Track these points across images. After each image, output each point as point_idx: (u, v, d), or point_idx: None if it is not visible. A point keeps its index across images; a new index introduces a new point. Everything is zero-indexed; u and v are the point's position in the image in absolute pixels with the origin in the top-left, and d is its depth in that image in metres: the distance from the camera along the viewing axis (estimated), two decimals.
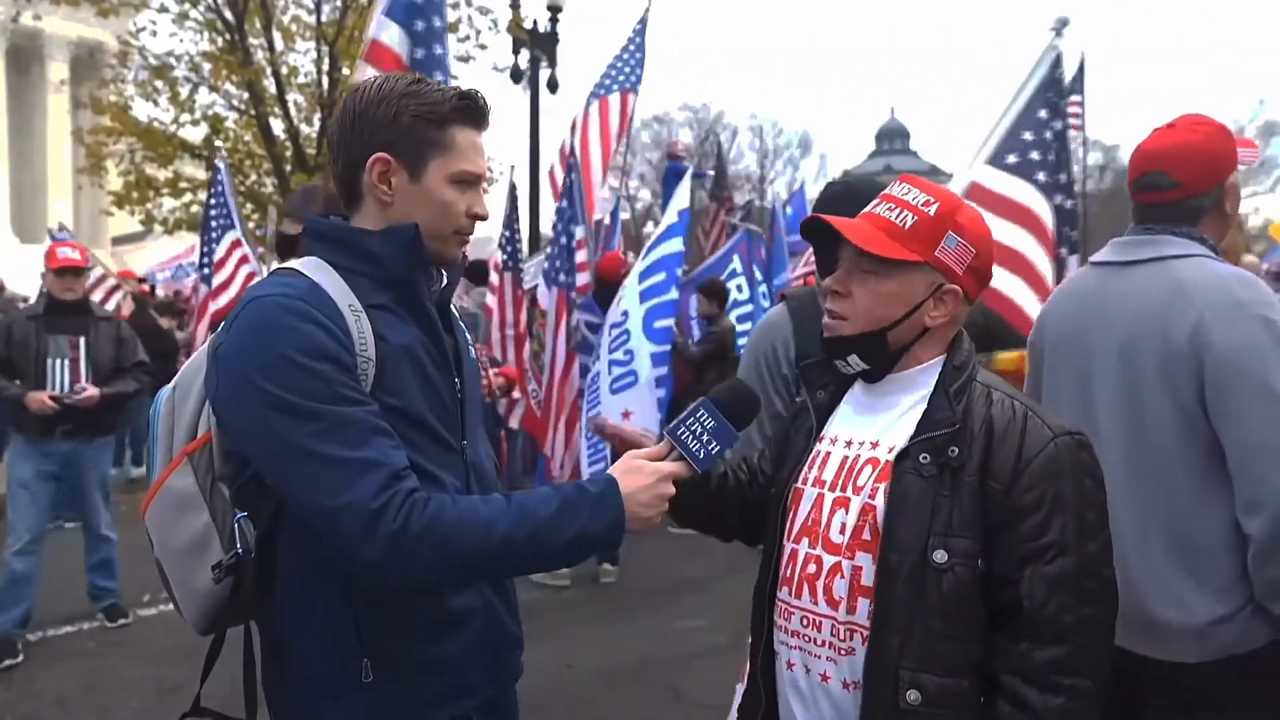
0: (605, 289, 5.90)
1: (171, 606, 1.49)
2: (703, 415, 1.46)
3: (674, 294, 5.45)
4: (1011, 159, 3.76)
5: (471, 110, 1.48)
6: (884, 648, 1.32)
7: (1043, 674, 1.28)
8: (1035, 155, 3.78)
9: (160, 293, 12.84)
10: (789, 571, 1.47)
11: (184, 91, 13.48)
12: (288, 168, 13.18)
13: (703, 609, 4.99)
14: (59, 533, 6.07)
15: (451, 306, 1.63)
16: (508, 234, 6.95)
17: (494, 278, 6.81)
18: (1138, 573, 1.79)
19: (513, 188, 7.47)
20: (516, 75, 13.30)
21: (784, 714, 1.48)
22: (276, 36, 13.14)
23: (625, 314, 5.32)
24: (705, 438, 1.45)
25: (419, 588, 1.41)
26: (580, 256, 6.05)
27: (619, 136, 6.58)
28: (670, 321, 5.44)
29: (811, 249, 2.79)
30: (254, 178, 13.77)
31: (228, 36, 12.94)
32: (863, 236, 1.42)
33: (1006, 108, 3.87)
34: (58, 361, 4.71)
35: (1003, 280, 3.55)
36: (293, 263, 1.47)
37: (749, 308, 7.73)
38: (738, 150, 41.09)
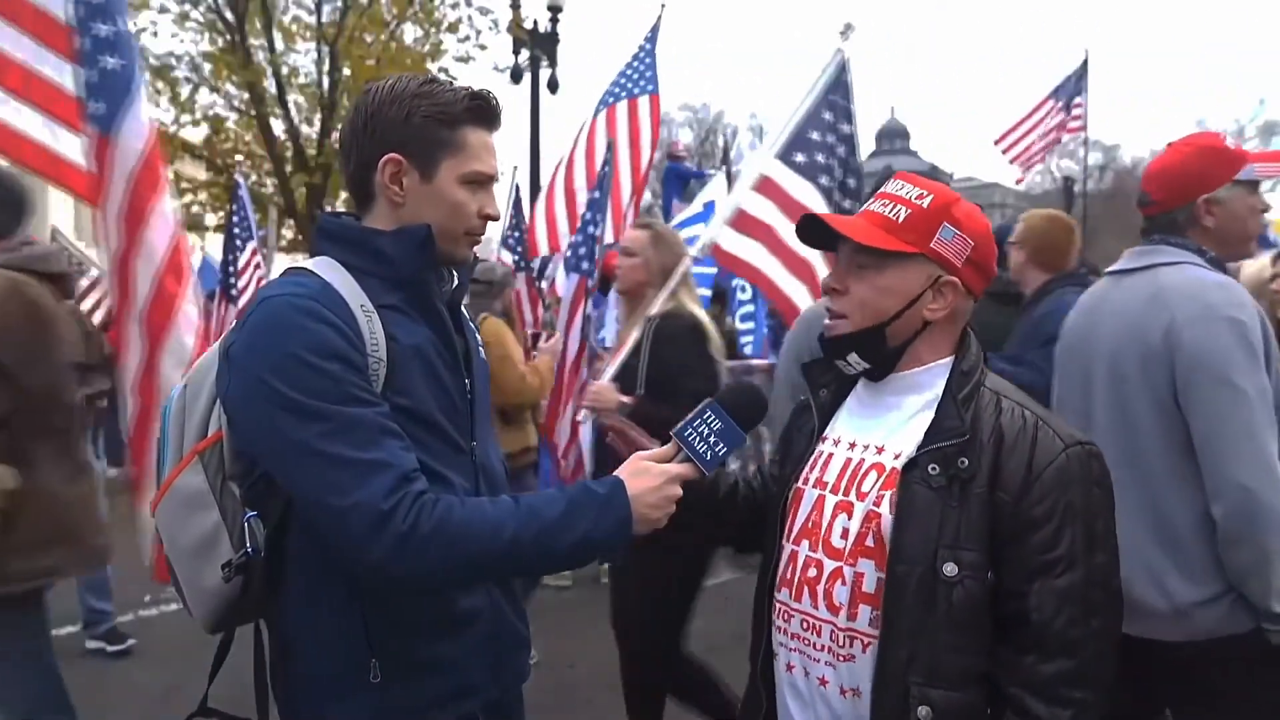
0: (603, 282, 5.95)
1: (173, 607, 1.50)
2: (709, 417, 1.46)
3: (703, 269, 5.82)
4: (799, 158, 3.83)
5: (484, 110, 1.48)
6: (892, 660, 1.31)
7: (1050, 687, 1.27)
8: (820, 158, 3.87)
9: None
10: (789, 573, 1.46)
11: (184, 92, 13.46)
12: (288, 168, 13.18)
13: (702, 609, 4.96)
14: None
15: (463, 308, 1.64)
16: (515, 235, 6.95)
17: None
18: (1125, 557, 1.86)
19: (515, 189, 7.47)
20: (517, 75, 13.30)
21: (783, 716, 1.47)
22: (277, 37, 13.14)
23: None
24: (712, 439, 1.45)
25: (426, 588, 1.42)
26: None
27: (652, 144, 6.50)
28: (704, 292, 5.76)
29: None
30: (254, 178, 13.76)
31: (228, 37, 12.93)
32: (857, 231, 1.42)
33: (798, 105, 3.92)
34: None
35: (783, 279, 3.75)
36: (305, 262, 1.47)
37: (751, 308, 7.71)
38: (738, 150, 41.01)
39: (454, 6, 13.51)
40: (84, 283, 8.31)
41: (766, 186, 3.79)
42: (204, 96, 13.63)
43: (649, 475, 1.42)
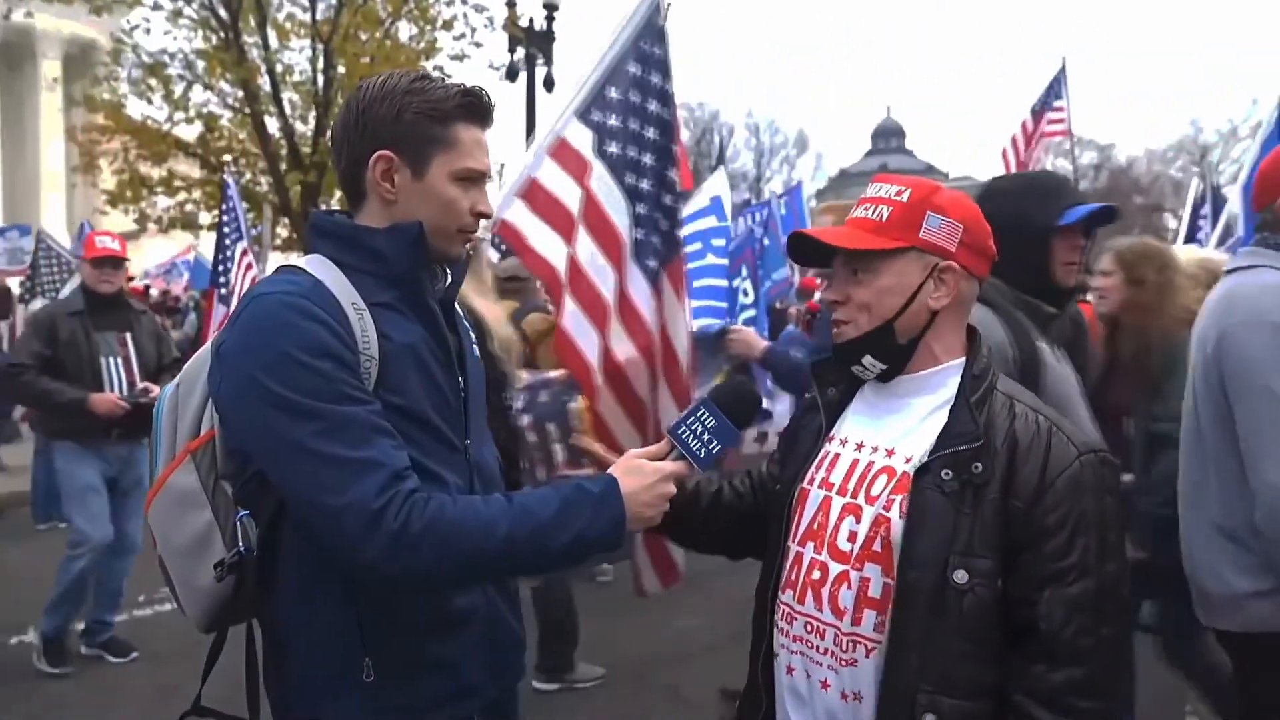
0: None
1: (168, 607, 1.49)
2: (703, 414, 1.46)
3: (711, 259, 5.87)
4: (597, 117, 3.24)
5: (476, 107, 1.47)
6: (900, 668, 1.30)
7: (1058, 696, 1.26)
8: (614, 121, 3.24)
9: (153, 292, 12.80)
10: (793, 575, 1.45)
11: (178, 89, 13.41)
12: (283, 166, 13.14)
13: (701, 608, 4.97)
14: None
15: (456, 306, 1.63)
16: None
17: None
18: (1196, 549, 2.12)
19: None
20: (512, 74, 13.29)
21: (781, 718, 1.47)
22: (271, 34, 13.10)
23: None
24: (706, 437, 1.45)
25: (420, 587, 1.41)
26: None
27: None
28: (717, 282, 5.85)
29: None
30: (249, 176, 13.73)
31: (222, 34, 12.88)
32: (844, 238, 1.42)
33: (600, 58, 3.30)
34: (110, 360, 4.34)
35: (550, 246, 3.19)
36: (297, 260, 1.47)
37: (753, 312, 7.70)
38: (734, 149, 41.12)
39: (449, 4, 13.48)
40: (72, 285, 8.33)
41: (563, 151, 3.21)
42: (198, 94, 13.59)
43: (642, 473, 1.42)
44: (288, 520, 1.40)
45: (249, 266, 7.30)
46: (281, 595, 1.43)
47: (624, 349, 3.17)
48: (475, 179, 1.48)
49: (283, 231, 13.35)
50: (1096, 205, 2.14)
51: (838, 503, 1.42)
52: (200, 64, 13.25)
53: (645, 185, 3.25)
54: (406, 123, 1.42)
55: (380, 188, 1.45)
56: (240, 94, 13.17)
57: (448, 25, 13.54)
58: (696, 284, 5.58)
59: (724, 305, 5.97)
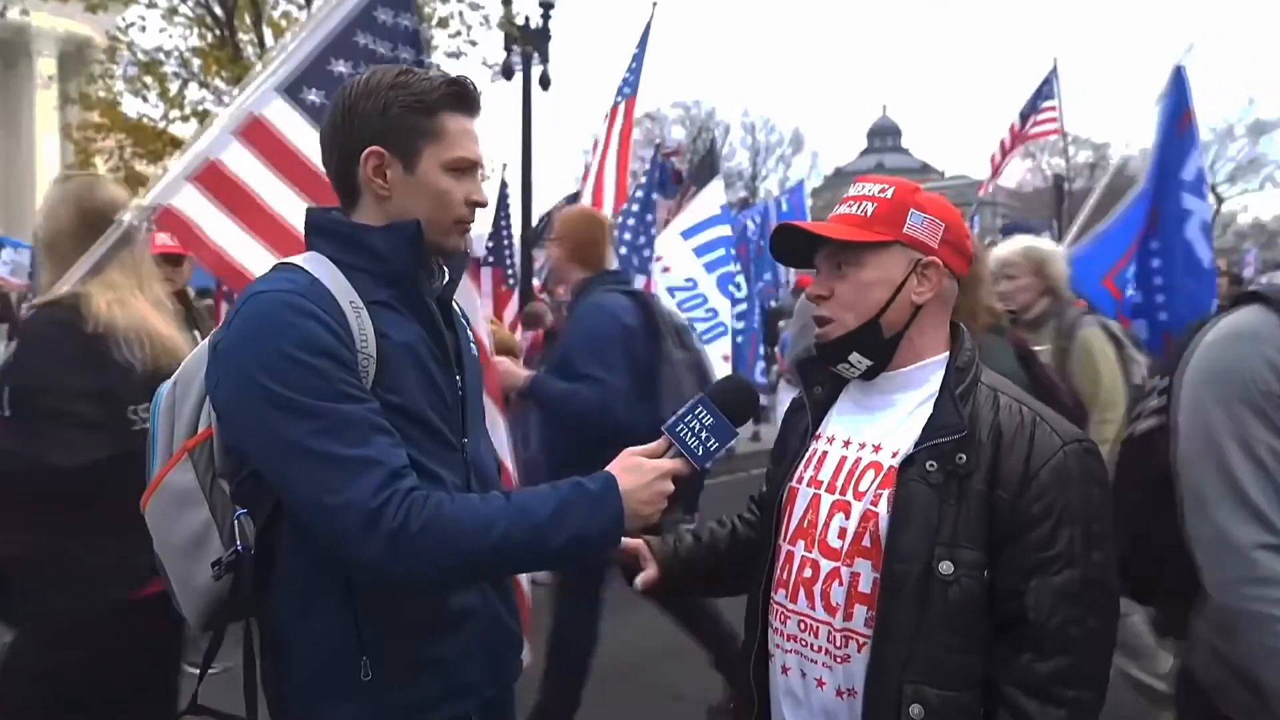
0: None
1: None
2: (701, 412, 1.46)
3: (734, 267, 6.34)
4: (313, 97, 2.72)
5: (461, 96, 1.46)
6: (886, 660, 1.31)
7: (1045, 686, 1.27)
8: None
9: None
10: (785, 574, 1.45)
11: (173, 87, 13.39)
12: None
13: None
14: None
15: (454, 303, 1.63)
16: (491, 229, 6.96)
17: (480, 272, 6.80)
18: None
19: (503, 185, 7.46)
20: (508, 72, 13.26)
21: (775, 719, 1.47)
22: (267, 32, 13.07)
23: (693, 281, 5.84)
24: (704, 435, 1.45)
25: (418, 585, 1.41)
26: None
27: (622, 145, 6.52)
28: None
29: None
30: None
31: (217, 32, 12.87)
32: (830, 231, 1.44)
33: (310, 28, 2.80)
34: None
35: (232, 240, 2.63)
36: (293, 258, 1.46)
37: (744, 305, 7.73)
38: (730, 148, 41.12)
39: (445, 1, 13.47)
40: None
41: (255, 131, 2.69)
42: (193, 92, 13.56)
43: (640, 471, 1.42)
44: (285, 518, 1.40)
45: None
46: (279, 594, 1.43)
47: None
48: (467, 168, 1.48)
49: None
50: None
51: (827, 500, 1.43)
52: (196, 62, 13.23)
53: None
54: (393, 117, 1.42)
55: (373, 184, 1.45)
56: (235, 91, 13.13)
57: (443, 23, 13.52)
58: (720, 271, 5.91)
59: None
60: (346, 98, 1.45)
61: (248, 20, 12.90)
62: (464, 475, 1.50)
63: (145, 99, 13.59)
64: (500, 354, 3.62)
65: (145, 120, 13.72)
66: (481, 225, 6.87)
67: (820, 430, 1.53)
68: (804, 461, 1.50)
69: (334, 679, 1.42)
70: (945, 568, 1.29)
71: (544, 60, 13.09)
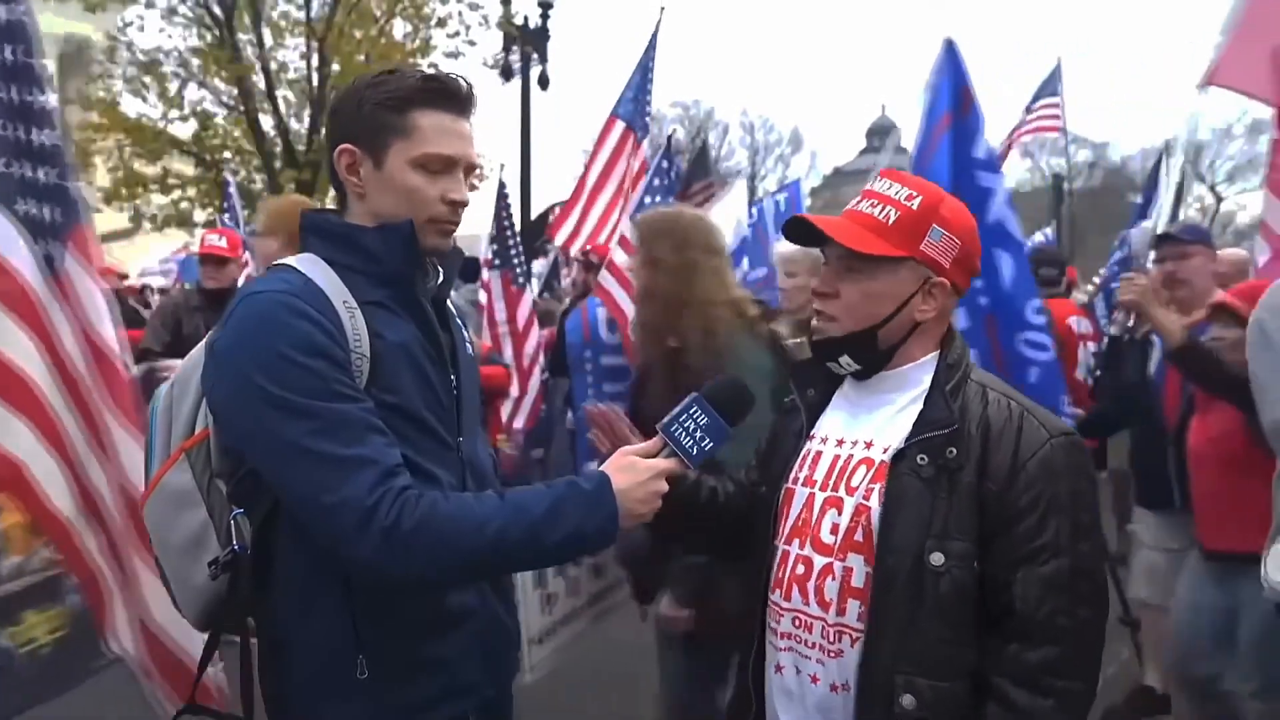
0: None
1: None
2: (695, 412, 1.46)
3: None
4: None
5: (439, 92, 1.44)
6: (878, 652, 1.32)
7: (1034, 676, 1.28)
8: None
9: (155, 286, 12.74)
10: (780, 573, 1.46)
11: (173, 87, 13.41)
12: (277, 164, 13.13)
13: None
14: None
15: (449, 304, 1.63)
16: (494, 231, 6.93)
17: (484, 274, 6.78)
18: None
19: (501, 185, 7.44)
20: (507, 72, 13.26)
21: (771, 718, 1.47)
22: (266, 32, 13.09)
23: None
24: (698, 434, 1.45)
25: (415, 584, 1.41)
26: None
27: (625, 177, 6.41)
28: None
29: None
30: (243, 174, 13.70)
31: (216, 32, 12.87)
32: (849, 235, 1.41)
33: None
34: None
35: None
36: (288, 259, 1.47)
37: None
38: (729, 147, 41.10)
39: (444, 2, 13.48)
40: None
41: None
42: (192, 92, 13.59)
43: (635, 470, 1.42)
44: (282, 518, 1.40)
45: (244, 264, 7.27)
46: (276, 593, 1.44)
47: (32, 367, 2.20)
48: (440, 166, 1.44)
49: None
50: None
51: (820, 497, 1.44)
52: (195, 62, 13.24)
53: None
54: (365, 114, 1.42)
55: (349, 182, 1.46)
56: (235, 92, 13.16)
57: (442, 23, 13.54)
58: None
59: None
60: (334, 101, 1.47)
61: (246, 20, 12.91)
62: (460, 474, 1.50)
63: (144, 99, 13.61)
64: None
65: (144, 120, 13.73)
66: (483, 227, 6.85)
67: (814, 431, 1.53)
68: (799, 462, 1.51)
69: (333, 679, 1.42)
70: (936, 559, 1.31)
71: (543, 60, 13.09)
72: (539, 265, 8.23)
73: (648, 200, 5.30)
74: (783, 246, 3.35)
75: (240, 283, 4.69)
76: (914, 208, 1.40)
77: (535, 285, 8.13)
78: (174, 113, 13.51)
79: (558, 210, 8.69)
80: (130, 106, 13.96)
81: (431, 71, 1.47)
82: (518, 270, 6.94)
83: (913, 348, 1.45)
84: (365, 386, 1.37)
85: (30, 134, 2.31)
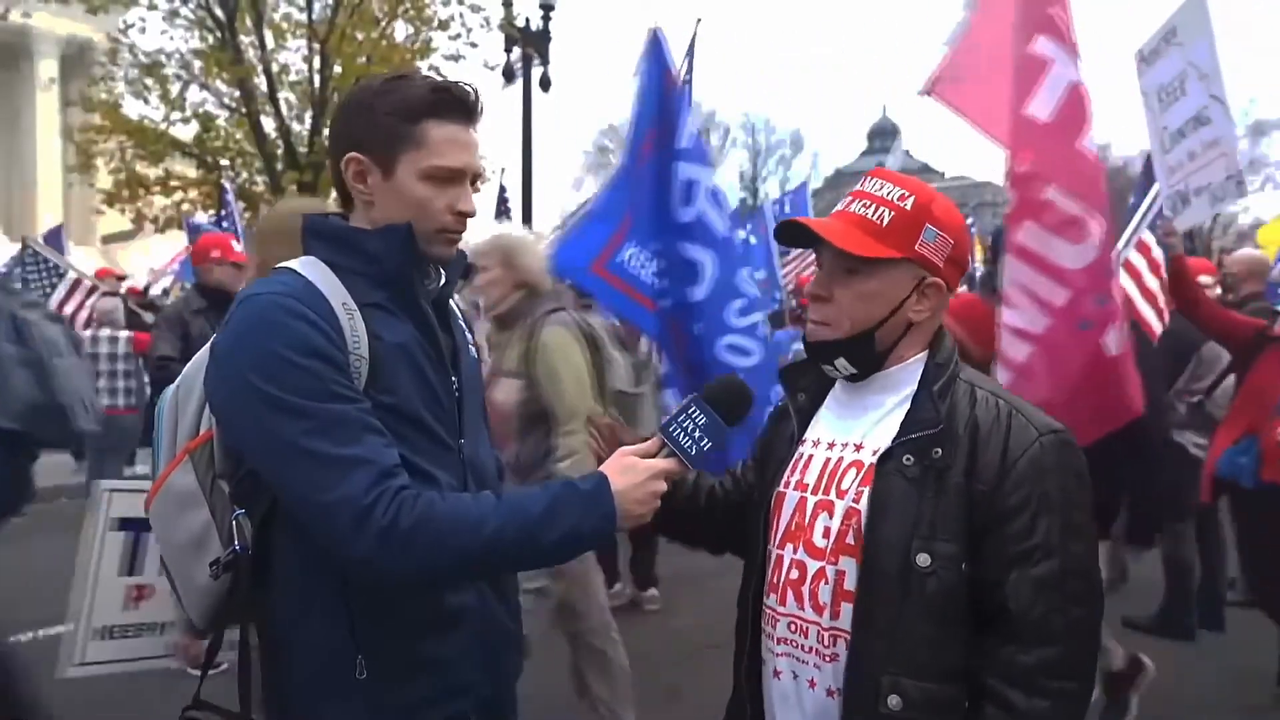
0: None
1: None
2: (694, 412, 1.46)
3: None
4: None
5: (447, 102, 1.43)
6: (866, 653, 1.31)
7: (1029, 677, 1.27)
8: None
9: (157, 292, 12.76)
10: (775, 578, 1.45)
11: (174, 89, 13.43)
12: (279, 166, 13.15)
13: (699, 608, 4.98)
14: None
15: (452, 304, 1.64)
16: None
17: None
18: None
19: (502, 189, 7.46)
20: (509, 74, 13.28)
21: None
22: (268, 34, 13.11)
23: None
24: (697, 435, 1.44)
25: (412, 583, 1.42)
26: None
27: None
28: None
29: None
30: (245, 176, 13.72)
31: (218, 34, 12.89)
32: (842, 237, 1.40)
33: None
34: None
35: None
36: (288, 261, 1.47)
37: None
38: (729, 145, 41.08)
39: (445, 4, 13.50)
40: (61, 290, 8.23)
41: None
42: (194, 94, 13.62)
43: (634, 471, 1.42)
44: (281, 518, 1.41)
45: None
46: (276, 592, 1.44)
47: None
48: (449, 177, 1.45)
49: None
50: None
51: (811, 501, 1.43)
52: (197, 64, 13.27)
53: None
54: (375, 123, 1.42)
55: (356, 190, 1.46)
56: (237, 94, 13.18)
57: (444, 25, 13.56)
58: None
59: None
60: (342, 105, 1.46)
61: (249, 22, 12.94)
62: (460, 475, 1.50)
63: (146, 101, 13.64)
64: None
65: (146, 122, 13.76)
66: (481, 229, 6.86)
67: (805, 435, 1.53)
68: (790, 466, 1.50)
69: (332, 678, 1.42)
70: (923, 560, 1.30)
71: (544, 62, 13.10)
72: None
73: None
74: (472, 238, 3.26)
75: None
76: (907, 208, 1.40)
77: None
78: (176, 114, 13.54)
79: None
80: (132, 108, 14.00)
81: (441, 80, 1.46)
82: None
83: (903, 349, 1.45)
84: (364, 388, 1.38)
85: None
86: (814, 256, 1.54)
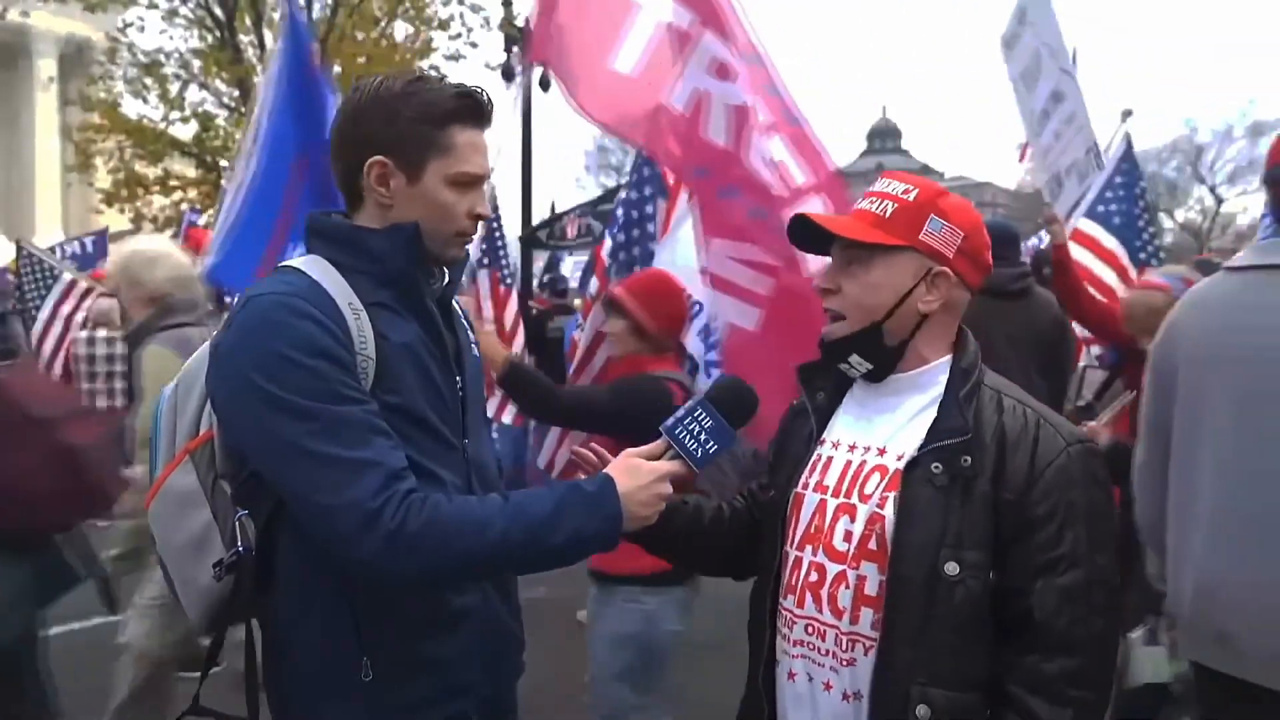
0: None
1: None
2: (700, 414, 1.45)
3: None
4: None
5: (472, 109, 1.45)
6: (893, 661, 1.31)
7: (1052, 686, 1.27)
8: None
9: None
10: (792, 579, 1.45)
11: (174, 89, 13.44)
12: None
13: (700, 608, 4.96)
14: None
15: (455, 304, 1.63)
16: (484, 231, 6.95)
17: (478, 275, 6.79)
18: (1234, 598, 1.72)
19: (492, 188, 7.48)
20: (508, 73, 13.28)
21: None
22: (267, 33, 13.10)
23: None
24: (703, 437, 1.44)
25: (417, 586, 1.41)
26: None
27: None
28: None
29: None
30: None
31: (217, 33, 12.91)
32: (844, 227, 1.43)
33: None
34: None
35: None
36: (293, 261, 1.47)
37: None
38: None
39: (445, 4, 13.52)
40: (57, 292, 8.22)
41: None
42: (193, 93, 13.65)
43: (639, 473, 1.42)
44: (285, 519, 1.40)
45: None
46: (280, 594, 1.43)
47: None
48: (472, 182, 1.47)
49: None
50: None
51: (832, 504, 1.43)
52: (196, 63, 13.29)
53: None
54: (400, 127, 1.41)
55: (376, 192, 1.45)
56: (236, 93, 13.19)
57: (444, 25, 13.59)
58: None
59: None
60: (356, 104, 1.45)
61: (248, 22, 12.96)
62: (464, 475, 1.50)
63: (145, 100, 13.66)
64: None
65: (145, 121, 13.76)
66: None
67: (824, 435, 1.52)
68: (808, 467, 1.49)
69: (334, 679, 1.42)
70: (951, 569, 1.30)
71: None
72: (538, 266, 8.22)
73: (645, 194, 5.25)
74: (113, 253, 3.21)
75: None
76: (911, 199, 1.42)
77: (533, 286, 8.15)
78: (175, 114, 13.55)
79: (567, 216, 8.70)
80: (131, 108, 14.02)
81: (462, 85, 1.47)
82: (505, 270, 6.94)
83: (922, 349, 1.44)
84: (371, 388, 1.37)
85: None
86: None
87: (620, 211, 5.64)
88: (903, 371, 1.45)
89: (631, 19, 2.87)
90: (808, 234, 1.51)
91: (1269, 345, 1.77)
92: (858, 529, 1.38)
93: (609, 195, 8.90)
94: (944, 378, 1.42)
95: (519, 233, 10.51)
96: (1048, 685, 1.27)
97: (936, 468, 1.33)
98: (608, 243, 5.70)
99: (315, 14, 13.10)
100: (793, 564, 1.46)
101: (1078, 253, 5.25)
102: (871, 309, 1.42)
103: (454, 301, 1.63)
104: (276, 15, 13.24)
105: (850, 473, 1.43)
